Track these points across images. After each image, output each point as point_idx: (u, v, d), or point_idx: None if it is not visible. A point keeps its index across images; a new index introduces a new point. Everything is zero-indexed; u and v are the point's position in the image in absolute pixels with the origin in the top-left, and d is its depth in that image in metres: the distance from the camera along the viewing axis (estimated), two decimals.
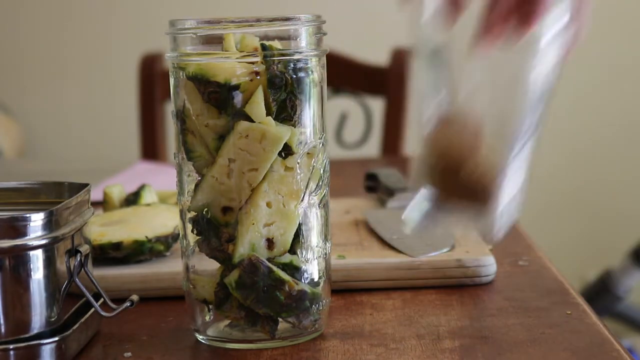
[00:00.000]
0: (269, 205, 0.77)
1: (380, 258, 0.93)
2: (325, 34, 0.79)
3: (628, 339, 2.71)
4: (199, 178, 0.78)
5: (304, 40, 0.78)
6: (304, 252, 0.78)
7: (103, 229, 0.96)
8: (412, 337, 0.79)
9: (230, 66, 0.76)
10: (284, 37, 0.77)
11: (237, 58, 0.76)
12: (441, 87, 0.76)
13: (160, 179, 1.42)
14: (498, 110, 0.76)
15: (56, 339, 0.74)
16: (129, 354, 0.78)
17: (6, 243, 0.71)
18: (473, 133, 0.75)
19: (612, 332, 0.79)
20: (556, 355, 0.74)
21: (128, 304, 0.80)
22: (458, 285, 0.92)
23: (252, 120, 0.76)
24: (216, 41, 0.77)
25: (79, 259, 0.77)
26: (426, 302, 0.88)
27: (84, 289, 0.77)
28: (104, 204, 1.07)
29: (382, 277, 0.91)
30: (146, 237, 0.94)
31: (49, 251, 0.73)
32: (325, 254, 0.80)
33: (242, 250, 0.77)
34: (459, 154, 0.75)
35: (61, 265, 0.75)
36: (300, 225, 0.78)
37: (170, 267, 0.93)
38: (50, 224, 0.73)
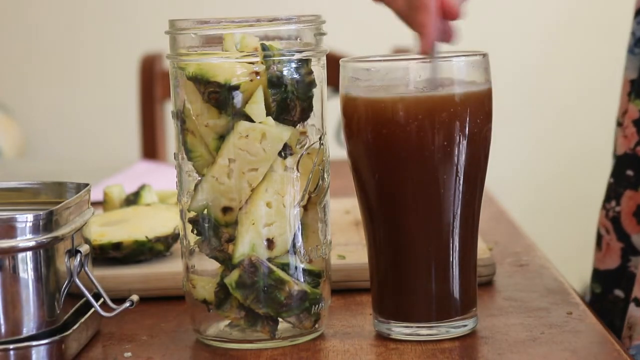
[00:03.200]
0: (269, 205, 0.77)
1: None
2: (325, 34, 0.79)
3: None
4: (199, 178, 0.78)
5: (304, 40, 0.78)
6: (304, 252, 0.78)
7: (103, 229, 0.96)
8: None
9: (230, 66, 0.76)
10: (284, 37, 0.77)
11: (237, 58, 0.76)
12: None
13: (160, 179, 1.42)
14: None
15: (56, 338, 0.74)
16: (129, 354, 0.78)
17: (6, 243, 0.71)
18: None
19: (612, 332, 0.79)
20: (556, 355, 0.74)
21: (128, 304, 0.80)
22: None
23: (252, 120, 0.76)
24: (216, 41, 0.77)
25: (79, 259, 0.77)
26: None
27: (84, 289, 0.77)
28: (104, 204, 1.07)
29: None
30: (146, 237, 0.94)
31: (49, 251, 0.73)
32: (325, 254, 0.80)
33: (242, 250, 0.77)
34: None
35: (61, 265, 0.75)
36: (300, 225, 0.78)
37: (170, 267, 0.93)
38: (50, 224, 0.73)
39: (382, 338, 0.79)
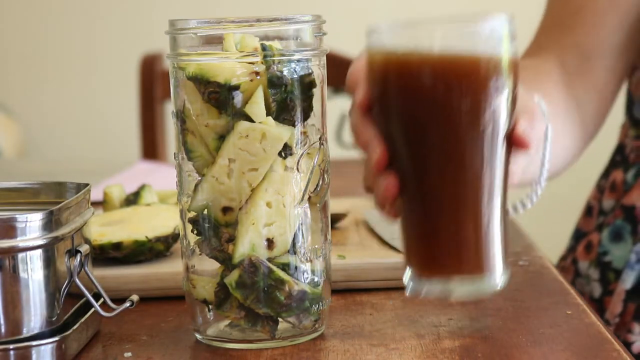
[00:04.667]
0: (269, 205, 0.77)
1: (380, 258, 0.93)
2: (325, 34, 0.79)
3: None
4: (199, 178, 0.78)
5: (304, 40, 0.78)
6: (304, 252, 0.78)
7: (103, 229, 0.96)
8: (412, 337, 0.79)
9: (230, 66, 0.76)
10: (284, 37, 0.77)
11: (237, 58, 0.76)
12: None
13: (160, 179, 1.42)
14: None
15: (56, 339, 0.74)
16: (129, 354, 0.78)
17: (6, 243, 0.71)
18: None
19: (612, 332, 0.79)
20: (556, 355, 0.74)
21: (128, 304, 0.80)
22: None
23: (252, 120, 0.76)
24: (216, 41, 0.77)
25: (79, 259, 0.77)
26: (426, 302, 0.88)
27: (84, 289, 0.77)
28: (104, 204, 1.07)
29: (382, 277, 0.91)
30: (146, 237, 0.94)
31: (49, 251, 0.73)
32: (325, 254, 0.80)
33: (242, 250, 0.77)
34: None
35: (61, 265, 0.75)
36: (300, 225, 0.78)
37: (170, 267, 0.93)
38: (50, 224, 0.73)
39: (382, 338, 0.79)
